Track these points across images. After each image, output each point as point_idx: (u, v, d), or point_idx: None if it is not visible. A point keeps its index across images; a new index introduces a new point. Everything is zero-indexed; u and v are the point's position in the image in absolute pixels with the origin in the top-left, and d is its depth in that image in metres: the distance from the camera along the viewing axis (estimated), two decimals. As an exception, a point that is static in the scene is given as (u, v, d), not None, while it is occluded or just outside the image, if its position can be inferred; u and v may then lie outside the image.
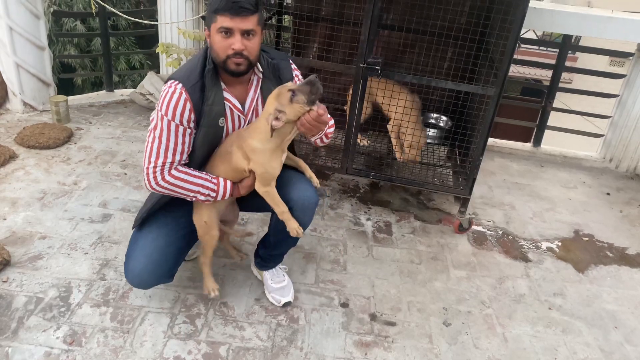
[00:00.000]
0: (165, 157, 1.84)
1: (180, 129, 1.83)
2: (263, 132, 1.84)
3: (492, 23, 2.91)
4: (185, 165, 1.91)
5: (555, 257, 2.86)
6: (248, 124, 1.99)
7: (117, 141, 3.51)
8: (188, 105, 1.82)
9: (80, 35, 8.17)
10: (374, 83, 2.96)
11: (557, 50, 3.91)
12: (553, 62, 3.93)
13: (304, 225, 2.02)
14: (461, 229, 2.95)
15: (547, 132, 4.14)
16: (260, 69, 1.97)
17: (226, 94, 1.93)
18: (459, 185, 2.98)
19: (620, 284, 2.69)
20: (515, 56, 2.59)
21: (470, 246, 2.87)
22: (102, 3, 3.70)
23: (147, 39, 7.35)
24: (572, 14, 3.48)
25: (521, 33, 2.61)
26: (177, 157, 1.87)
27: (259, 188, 1.93)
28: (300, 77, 2.08)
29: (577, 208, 3.40)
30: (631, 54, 3.77)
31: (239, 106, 1.96)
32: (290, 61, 2.08)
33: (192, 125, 1.85)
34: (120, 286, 2.26)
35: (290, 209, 1.98)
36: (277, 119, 1.81)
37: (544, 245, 2.96)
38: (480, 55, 2.83)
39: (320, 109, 1.83)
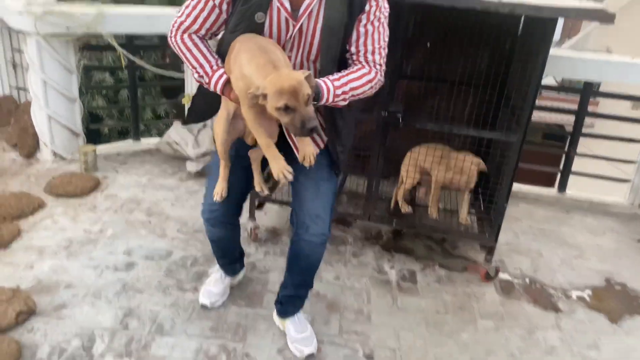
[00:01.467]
0: (187, 19, 1.75)
1: (210, 4, 1.72)
2: (261, 71, 1.58)
3: (512, 70, 2.94)
4: (202, 39, 1.80)
5: (587, 307, 2.77)
6: (298, 32, 1.74)
7: (142, 189, 3.57)
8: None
9: (110, 87, 8.45)
10: (423, 149, 2.98)
11: (579, 95, 3.91)
12: (574, 106, 3.92)
13: (311, 266, 2.13)
14: (488, 278, 2.89)
15: (571, 177, 4.08)
16: None
17: None
18: (484, 232, 2.94)
19: (657, 336, 2.58)
20: (536, 102, 2.60)
21: (498, 295, 2.80)
22: (132, 57, 3.85)
23: (173, 89, 7.57)
24: (592, 60, 3.51)
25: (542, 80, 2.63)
26: (195, 27, 1.76)
27: (242, 106, 1.70)
28: (380, 2, 1.75)
29: (607, 255, 3.31)
30: (654, 99, 3.75)
31: (289, 8, 1.69)
32: None
33: (223, 6, 1.73)
34: (143, 336, 2.24)
35: (297, 235, 2.03)
36: (257, 96, 1.57)
37: (575, 294, 2.87)
38: (502, 102, 2.85)
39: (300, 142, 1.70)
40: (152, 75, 7.84)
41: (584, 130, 3.91)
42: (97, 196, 3.43)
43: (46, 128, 3.71)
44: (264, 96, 1.54)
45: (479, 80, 2.96)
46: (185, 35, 1.77)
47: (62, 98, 3.70)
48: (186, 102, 3.93)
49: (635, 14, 11.47)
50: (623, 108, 9.83)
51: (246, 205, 3.12)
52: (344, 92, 1.72)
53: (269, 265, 2.85)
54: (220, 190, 2.05)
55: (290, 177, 1.67)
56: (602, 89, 6.86)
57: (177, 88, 4.48)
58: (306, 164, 1.72)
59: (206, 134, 3.90)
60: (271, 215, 3.36)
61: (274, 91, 1.52)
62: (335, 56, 1.76)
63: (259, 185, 2.07)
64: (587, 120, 3.92)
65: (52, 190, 3.37)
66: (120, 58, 3.79)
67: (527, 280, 2.96)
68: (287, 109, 1.52)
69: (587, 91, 3.74)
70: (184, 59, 1.81)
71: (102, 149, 4.10)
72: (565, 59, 3.53)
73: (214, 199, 2.06)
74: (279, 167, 1.68)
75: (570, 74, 3.58)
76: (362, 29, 1.75)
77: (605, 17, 1.97)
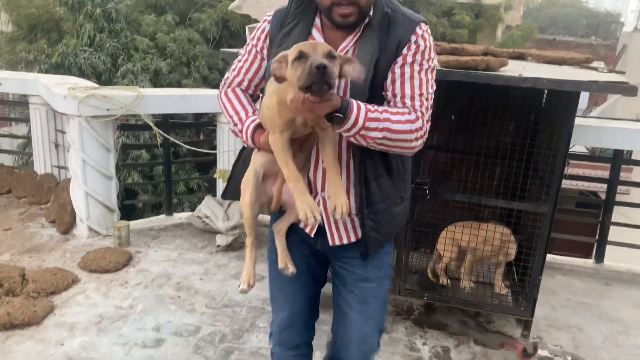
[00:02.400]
0: (232, 73, 1.71)
1: (254, 51, 1.66)
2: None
3: (538, 141, 2.95)
4: (244, 92, 1.71)
5: (636, 388, 2.59)
6: None
7: (173, 264, 3.61)
8: (265, 26, 1.65)
9: (145, 164, 8.78)
10: (459, 228, 2.99)
11: (610, 164, 3.87)
12: (606, 172, 3.86)
13: None
14: (525, 355, 2.75)
15: (609, 247, 3.95)
16: (371, 13, 1.55)
17: (315, 32, 1.59)
18: (520, 305, 2.84)
19: None
20: (567, 170, 2.58)
21: (538, 374, 2.65)
22: (166, 135, 4.03)
23: (206, 164, 7.82)
24: (620, 129, 3.49)
25: (569, 149, 2.63)
26: (239, 79, 1.69)
27: (271, 135, 1.51)
28: (423, 47, 1.54)
29: (654, 330, 3.14)
30: (689, 166, 3.67)
31: None
32: (423, 26, 1.56)
33: (264, 52, 1.65)
34: (169, 417, 2.19)
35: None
36: (279, 62, 1.42)
37: (621, 373, 2.71)
38: (530, 172, 2.84)
39: (308, 95, 1.35)
40: (186, 150, 8.14)
41: (619, 198, 3.82)
42: (129, 271, 3.48)
43: (83, 204, 3.85)
44: (284, 63, 1.40)
45: (505, 152, 2.97)
46: (229, 89, 1.72)
47: (100, 175, 3.86)
48: (218, 177, 4.05)
49: (663, 81, 11.46)
50: (659, 174, 9.61)
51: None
52: (377, 120, 1.45)
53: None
54: (247, 277, 1.72)
55: (319, 218, 1.47)
56: (634, 156, 6.76)
57: (209, 163, 4.64)
58: (337, 216, 1.52)
59: (236, 207, 3.97)
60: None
61: (294, 48, 1.39)
62: (362, 98, 1.51)
63: (283, 261, 1.75)
64: (622, 187, 3.85)
65: (86, 266, 3.44)
66: (156, 136, 3.97)
67: (569, 358, 2.81)
68: (301, 57, 1.35)
69: (618, 159, 3.70)
70: (224, 112, 1.72)
71: (136, 224, 4.20)
72: (593, 128, 3.53)
73: (239, 288, 1.74)
74: (307, 206, 1.47)
75: (598, 143, 3.57)
76: (397, 71, 1.54)
77: (627, 90, 1.99)
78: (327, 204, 1.60)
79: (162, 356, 2.60)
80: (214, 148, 4.29)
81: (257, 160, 1.65)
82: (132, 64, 9.61)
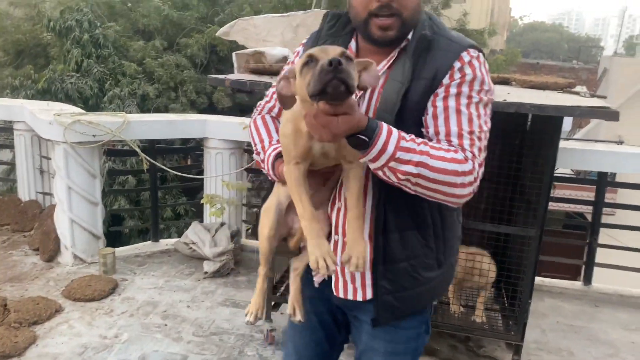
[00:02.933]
0: (265, 98, 1.58)
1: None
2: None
3: (524, 165, 2.97)
4: (274, 120, 1.53)
5: (628, 412, 2.57)
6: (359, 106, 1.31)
7: (159, 291, 3.56)
8: (299, 49, 1.50)
9: (132, 190, 8.72)
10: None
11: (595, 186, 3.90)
12: (592, 194, 3.90)
13: None
14: (517, 380, 2.73)
15: (598, 269, 3.97)
16: (409, 36, 1.33)
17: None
18: (510, 330, 2.82)
19: None
20: (554, 192, 2.60)
21: (529, 400, 2.63)
22: (153, 161, 4.00)
23: (193, 189, 7.78)
24: (604, 152, 3.54)
25: (554, 172, 2.65)
26: (270, 104, 1.54)
27: (286, 165, 1.32)
28: (472, 76, 1.28)
29: (644, 353, 3.13)
30: (672, 188, 3.72)
31: None
32: (472, 52, 1.30)
33: None
34: None
35: None
36: (286, 78, 1.23)
37: (613, 397, 2.69)
38: (517, 196, 2.86)
39: (321, 105, 1.12)
40: (174, 175, 8.10)
41: (605, 219, 3.85)
42: (115, 299, 3.42)
43: (68, 231, 3.79)
44: (292, 78, 1.21)
45: (492, 176, 2.99)
46: (259, 116, 1.55)
47: (85, 202, 3.82)
48: (205, 202, 4.02)
49: (643, 103, 11.72)
50: (643, 195, 9.76)
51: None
52: (412, 151, 1.19)
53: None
54: (255, 308, 1.54)
55: (332, 267, 1.22)
56: (618, 178, 6.84)
57: (197, 188, 4.61)
58: (350, 269, 1.29)
59: (223, 233, 3.94)
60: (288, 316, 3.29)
61: (302, 56, 1.20)
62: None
63: (292, 306, 1.54)
64: (608, 208, 3.88)
65: (70, 294, 3.37)
66: (143, 161, 3.95)
67: (560, 382, 2.79)
68: (309, 62, 1.14)
69: (602, 181, 3.74)
70: (251, 139, 1.54)
71: (122, 250, 4.14)
72: (577, 151, 3.58)
73: (245, 318, 1.54)
74: (320, 252, 1.23)
75: (582, 166, 3.61)
76: (439, 104, 1.27)
77: (609, 115, 2.02)
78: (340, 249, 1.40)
79: (147, 387, 2.54)
80: (202, 173, 4.27)
81: (282, 191, 1.45)
82: (119, 89, 9.64)
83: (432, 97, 1.28)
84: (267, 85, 2.49)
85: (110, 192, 8.46)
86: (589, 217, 4.00)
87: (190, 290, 3.60)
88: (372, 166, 1.21)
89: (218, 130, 4.06)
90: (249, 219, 6.03)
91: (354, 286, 1.41)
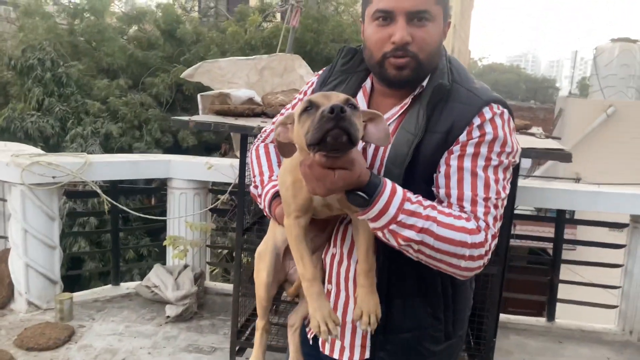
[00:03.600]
0: (270, 125, 1.48)
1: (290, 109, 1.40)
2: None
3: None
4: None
5: None
6: (363, 152, 1.24)
7: (119, 338, 3.42)
8: (313, 80, 1.41)
9: (92, 232, 8.48)
10: None
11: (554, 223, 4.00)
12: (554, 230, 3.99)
13: None
14: (485, 421, 2.71)
15: (562, 305, 4.03)
16: (424, 83, 1.23)
17: (360, 96, 1.30)
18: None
19: None
20: (514, 229, 2.66)
21: None
22: (114, 202, 3.92)
23: (157, 230, 7.63)
24: (561, 190, 3.66)
25: (515, 210, 2.72)
26: (271, 136, 1.43)
27: (286, 219, 1.21)
28: (492, 136, 1.17)
29: (607, 389, 3.17)
30: (626, 225, 3.85)
31: None
32: (495, 108, 1.19)
33: None
34: None
35: None
36: (284, 125, 1.15)
37: None
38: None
39: (317, 156, 1.03)
40: (136, 216, 7.95)
41: (566, 255, 3.94)
42: (71, 347, 3.26)
43: (22, 277, 3.63)
44: (290, 125, 1.12)
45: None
46: (262, 144, 1.45)
47: (42, 246, 3.68)
48: (168, 244, 3.93)
49: (598, 142, 12.23)
50: (602, 232, 10.06)
51: (227, 350, 3.00)
52: (417, 215, 1.09)
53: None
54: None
55: (335, 331, 1.11)
56: (577, 215, 7.05)
57: (160, 229, 4.51)
58: (362, 327, 1.17)
59: (186, 276, 3.85)
60: (254, 361, 3.21)
61: (302, 101, 1.11)
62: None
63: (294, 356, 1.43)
64: (569, 244, 3.97)
65: (22, 344, 3.20)
66: (104, 202, 3.86)
67: (527, 422, 2.78)
68: (309, 108, 1.05)
69: (561, 218, 3.84)
70: (251, 169, 1.45)
71: (80, 295, 3.99)
72: (537, 190, 3.68)
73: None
74: (322, 315, 1.12)
75: (541, 204, 3.71)
76: (453, 163, 1.17)
77: (563, 157, 2.10)
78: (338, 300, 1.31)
79: None
80: (165, 213, 4.20)
81: (278, 233, 1.33)
82: (82, 127, 9.48)
83: (446, 154, 1.18)
84: (232, 127, 2.49)
85: (70, 234, 8.22)
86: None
87: (152, 335, 3.48)
88: (371, 226, 1.11)
89: (182, 170, 4.02)
90: (213, 260, 5.92)
91: (342, 344, 1.29)
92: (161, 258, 4.52)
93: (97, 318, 3.69)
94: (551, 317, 3.98)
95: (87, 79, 10.56)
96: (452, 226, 1.10)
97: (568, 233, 4.16)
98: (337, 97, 1.05)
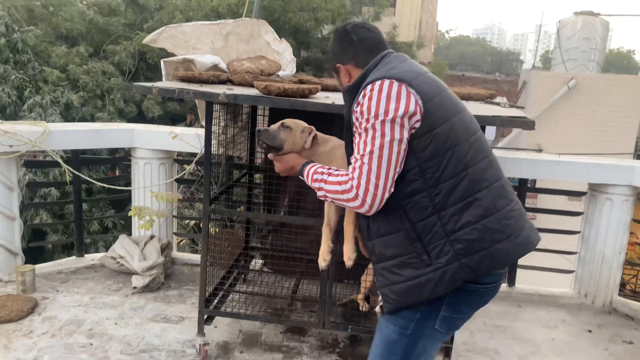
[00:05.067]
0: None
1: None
2: None
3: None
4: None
5: (549, 406, 2.71)
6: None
7: (84, 309, 3.38)
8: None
9: (54, 203, 8.26)
10: None
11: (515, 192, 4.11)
12: (515, 202, 4.10)
13: None
14: (447, 381, 2.81)
15: (520, 271, 4.17)
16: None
17: None
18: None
19: None
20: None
21: (459, 400, 2.71)
22: (76, 172, 3.82)
23: (121, 201, 7.50)
24: (523, 160, 3.74)
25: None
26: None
27: None
28: (361, 104, 1.64)
29: (562, 349, 3.32)
30: (584, 193, 3.99)
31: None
32: (373, 84, 1.64)
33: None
34: None
35: None
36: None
37: (535, 392, 2.82)
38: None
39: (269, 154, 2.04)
40: (101, 187, 7.79)
41: (525, 224, 4.05)
42: (34, 319, 3.21)
43: (-19, 249, 3.54)
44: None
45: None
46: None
47: (1, 217, 3.57)
48: (134, 215, 3.87)
49: (559, 114, 12.52)
50: (561, 200, 10.40)
51: (195, 319, 3.01)
52: (317, 180, 1.76)
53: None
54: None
55: (322, 265, 2.10)
56: (538, 184, 7.26)
57: (126, 200, 4.45)
58: (348, 264, 2.03)
59: (153, 246, 3.81)
60: (221, 329, 3.23)
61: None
62: (350, 153, 1.74)
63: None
64: (529, 213, 4.08)
65: (-17, 316, 3.13)
66: (66, 173, 3.75)
67: (487, 381, 2.90)
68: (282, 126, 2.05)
69: (523, 187, 3.95)
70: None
71: (42, 267, 3.91)
72: (499, 159, 3.75)
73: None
74: (321, 252, 2.12)
75: (504, 173, 3.78)
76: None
77: (526, 124, 2.14)
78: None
79: (70, 412, 2.40)
80: (130, 184, 4.12)
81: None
82: (40, 96, 9.14)
83: None
84: (197, 94, 2.44)
85: (31, 205, 8.00)
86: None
87: (118, 306, 3.45)
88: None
89: (146, 139, 3.94)
90: (180, 231, 5.88)
91: None
92: (127, 230, 4.45)
93: (61, 290, 3.63)
94: (511, 282, 4.12)
95: (44, 46, 10.15)
96: (332, 182, 1.70)
97: (529, 202, 4.28)
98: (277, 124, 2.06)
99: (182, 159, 4.24)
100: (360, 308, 3.09)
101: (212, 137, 2.69)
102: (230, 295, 3.18)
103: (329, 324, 2.89)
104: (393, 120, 1.58)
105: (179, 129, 4.01)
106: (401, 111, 1.58)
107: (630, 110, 12.58)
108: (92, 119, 9.50)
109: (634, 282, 11.74)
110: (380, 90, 1.60)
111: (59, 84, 9.51)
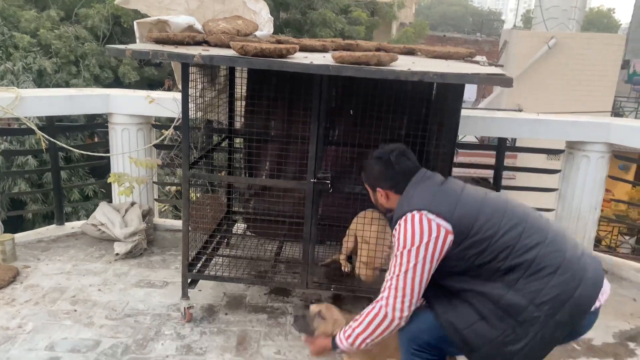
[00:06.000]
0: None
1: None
2: None
3: (429, 133, 3.09)
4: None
5: None
6: None
7: (67, 276, 3.37)
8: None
9: (32, 171, 8.12)
10: (359, 219, 3.03)
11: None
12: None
13: None
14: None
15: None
16: None
17: None
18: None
19: (592, 378, 2.65)
20: (459, 158, 2.74)
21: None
22: (52, 139, 3.74)
23: (101, 169, 7.40)
24: (502, 119, 3.77)
25: (458, 139, 2.79)
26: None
27: None
28: (397, 233, 1.91)
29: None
30: (562, 151, 4.04)
31: None
32: (406, 216, 1.89)
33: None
34: None
35: None
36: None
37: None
38: (422, 163, 2.97)
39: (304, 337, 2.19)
40: (79, 155, 7.66)
41: (506, 182, 4.12)
42: (16, 288, 3.20)
43: (-42, 219, 3.48)
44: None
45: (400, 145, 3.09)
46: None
47: (-23, 186, 3.51)
48: (113, 181, 3.82)
49: (539, 74, 12.55)
50: (540, 159, 10.54)
51: (179, 284, 3.02)
52: (350, 336, 1.92)
53: (206, 346, 2.72)
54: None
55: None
56: (518, 143, 7.33)
57: (106, 168, 4.37)
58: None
59: (134, 213, 3.79)
60: (206, 292, 3.26)
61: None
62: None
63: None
64: (509, 172, 4.14)
65: (-36, 286, 3.11)
66: (41, 141, 3.68)
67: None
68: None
69: (502, 147, 3.99)
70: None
71: (22, 236, 3.88)
72: (479, 119, 3.78)
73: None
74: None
75: (484, 132, 3.83)
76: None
77: (504, 82, 2.14)
78: None
79: (57, 376, 2.42)
80: (109, 152, 4.05)
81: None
82: (11, 63, 8.85)
83: None
84: (171, 55, 2.39)
85: (8, 174, 7.86)
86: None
87: (101, 273, 3.45)
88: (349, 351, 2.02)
89: (122, 104, 3.87)
90: (162, 197, 5.84)
91: None
92: (108, 199, 4.40)
93: (43, 258, 3.61)
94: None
95: (13, 10, 9.76)
96: (363, 321, 1.90)
97: (509, 162, 4.32)
98: (312, 311, 2.20)
99: (160, 124, 4.18)
100: (343, 268, 3.14)
101: (190, 100, 2.64)
102: (214, 259, 3.19)
103: (312, 284, 2.94)
104: (418, 248, 1.82)
105: (156, 94, 3.93)
106: (425, 239, 1.82)
107: (608, 69, 12.66)
108: (67, 85, 9.23)
109: (610, 237, 12.07)
110: (413, 220, 1.85)
111: (31, 50, 9.20)
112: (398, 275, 1.83)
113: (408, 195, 1.94)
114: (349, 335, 1.92)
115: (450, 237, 1.81)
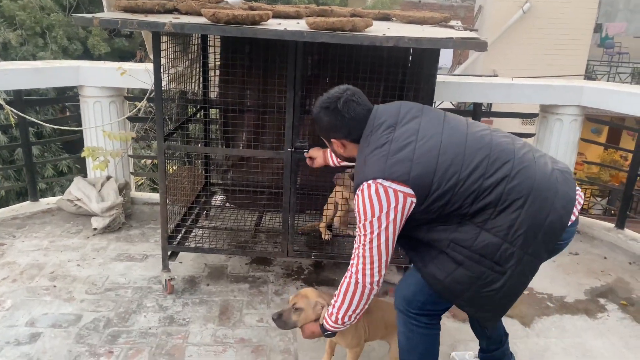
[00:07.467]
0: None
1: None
2: None
3: (406, 99, 3.09)
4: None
5: (501, 315, 2.89)
6: None
7: (44, 253, 3.34)
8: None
9: (1, 147, 7.91)
10: (337, 187, 3.09)
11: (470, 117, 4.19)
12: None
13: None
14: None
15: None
16: None
17: None
18: (398, 254, 3.02)
19: (565, 333, 2.76)
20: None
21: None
22: (21, 114, 3.65)
23: (75, 144, 7.25)
24: (477, 84, 3.78)
25: (435, 105, 2.80)
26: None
27: None
28: (355, 206, 1.87)
29: (514, 263, 3.51)
30: (536, 115, 4.09)
31: None
32: (363, 186, 1.83)
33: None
34: (53, 413, 2.06)
35: None
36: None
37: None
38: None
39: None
40: (52, 130, 7.48)
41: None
42: (-7, 266, 3.16)
43: None
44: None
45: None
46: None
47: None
48: (87, 155, 3.76)
49: (514, 39, 12.57)
50: (515, 124, 10.66)
51: (159, 257, 3.02)
52: (336, 315, 1.95)
53: (189, 317, 2.74)
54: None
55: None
56: (494, 108, 7.38)
57: (79, 142, 4.28)
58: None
59: (110, 187, 3.74)
60: (187, 264, 3.26)
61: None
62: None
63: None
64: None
65: (-62, 266, 3.06)
66: (10, 116, 3.58)
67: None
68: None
69: (477, 111, 4.02)
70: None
71: (-5, 214, 3.81)
72: (453, 84, 3.79)
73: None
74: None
75: (459, 98, 3.84)
76: None
77: (479, 45, 2.14)
78: None
79: (39, 351, 2.42)
80: (81, 125, 3.97)
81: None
82: (-27, 36, 8.53)
83: None
84: (141, 24, 2.32)
85: (-23, 152, 7.66)
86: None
87: (79, 248, 3.42)
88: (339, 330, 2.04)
89: (93, 76, 3.77)
90: (139, 171, 5.77)
91: None
92: (83, 174, 4.33)
93: (18, 235, 3.56)
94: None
95: (-29, -21, 9.35)
96: (341, 297, 1.92)
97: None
98: (290, 302, 2.14)
99: (134, 96, 4.09)
100: (323, 236, 3.17)
101: (162, 70, 2.59)
102: (194, 231, 3.19)
103: (292, 252, 2.96)
104: (379, 218, 1.78)
105: (127, 65, 3.84)
106: (385, 208, 1.77)
107: (582, 33, 12.75)
108: (35, 58, 8.95)
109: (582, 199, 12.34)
110: (373, 190, 1.78)
111: (-7, 22, 8.87)
112: (364, 245, 1.83)
113: (363, 154, 1.85)
114: (332, 314, 1.95)
115: (411, 199, 1.76)
